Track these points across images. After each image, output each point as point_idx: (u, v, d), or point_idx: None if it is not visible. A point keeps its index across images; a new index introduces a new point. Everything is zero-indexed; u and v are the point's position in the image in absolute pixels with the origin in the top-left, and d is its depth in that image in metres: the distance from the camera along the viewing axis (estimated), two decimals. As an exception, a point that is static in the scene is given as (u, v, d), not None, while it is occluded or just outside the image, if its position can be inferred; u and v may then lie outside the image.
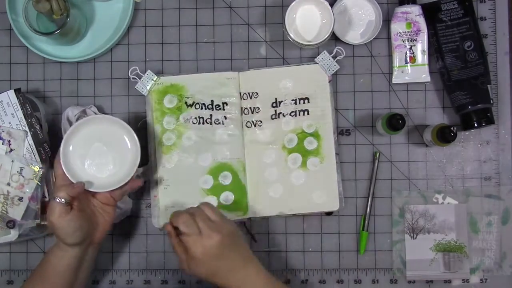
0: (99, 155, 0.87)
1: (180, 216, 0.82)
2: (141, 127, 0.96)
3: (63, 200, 0.80)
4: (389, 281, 0.95)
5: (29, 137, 0.91)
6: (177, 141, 0.94)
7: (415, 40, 0.94)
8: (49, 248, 0.85)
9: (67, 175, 0.83)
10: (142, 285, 0.97)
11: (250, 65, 0.97)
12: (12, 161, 0.90)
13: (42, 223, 0.93)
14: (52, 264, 0.83)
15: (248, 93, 0.95)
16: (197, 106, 0.94)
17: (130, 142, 0.87)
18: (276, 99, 0.95)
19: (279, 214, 0.94)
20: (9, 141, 0.91)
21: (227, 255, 0.81)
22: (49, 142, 0.93)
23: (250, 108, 0.95)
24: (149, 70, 0.95)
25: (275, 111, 0.95)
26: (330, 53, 0.95)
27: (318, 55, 0.95)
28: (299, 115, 0.95)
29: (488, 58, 0.94)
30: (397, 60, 0.95)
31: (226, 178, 0.94)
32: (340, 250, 0.96)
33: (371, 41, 0.95)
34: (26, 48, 0.96)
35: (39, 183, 0.91)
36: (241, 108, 0.95)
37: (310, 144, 0.94)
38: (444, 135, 0.87)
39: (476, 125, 0.92)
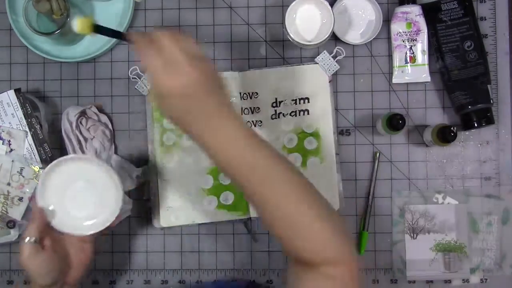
0: (79, 196, 0.81)
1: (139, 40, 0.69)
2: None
3: (32, 239, 0.75)
4: (389, 281, 0.95)
5: (29, 137, 0.91)
6: (177, 140, 0.94)
7: (415, 40, 0.94)
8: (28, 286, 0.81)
9: (56, 226, 0.79)
10: (142, 285, 0.97)
11: (250, 65, 0.97)
12: (12, 161, 0.91)
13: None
14: None
15: (248, 93, 0.95)
16: (197, 106, 0.94)
17: (112, 185, 0.81)
18: (276, 99, 0.95)
19: (279, 214, 0.94)
20: (9, 141, 0.91)
21: (200, 96, 0.67)
22: (49, 142, 0.93)
23: (250, 108, 0.95)
24: (149, 70, 0.95)
25: (275, 111, 0.95)
26: (330, 53, 0.95)
27: (318, 55, 0.95)
28: (299, 115, 0.95)
29: (488, 58, 0.94)
30: (397, 60, 0.95)
31: (226, 178, 0.94)
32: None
33: (371, 41, 0.95)
34: (26, 48, 0.96)
35: (39, 183, 0.91)
36: (241, 108, 0.95)
37: (310, 144, 0.94)
38: (444, 135, 0.87)
39: (476, 125, 0.92)
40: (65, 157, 0.80)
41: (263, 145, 0.69)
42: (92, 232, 0.80)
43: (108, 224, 0.80)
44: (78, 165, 0.81)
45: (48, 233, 0.79)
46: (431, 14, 0.94)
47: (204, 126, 0.68)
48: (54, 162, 0.80)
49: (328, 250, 0.67)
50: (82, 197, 0.81)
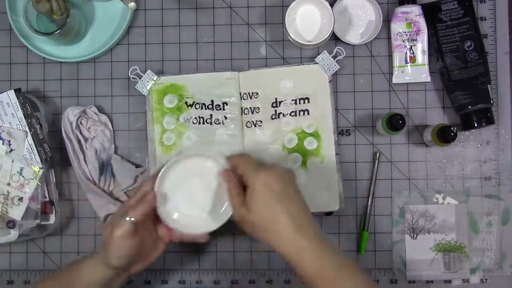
0: (193, 193, 0.82)
1: (240, 156, 0.79)
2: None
3: (133, 219, 0.76)
4: (389, 281, 0.95)
5: (29, 137, 0.91)
6: (177, 141, 0.94)
7: (415, 40, 0.94)
8: (80, 259, 0.82)
9: (162, 216, 0.81)
10: (142, 285, 0.97)
11: (250, 65, 0.97)
12: (12, 161, 0.91)
13: (42, 223, 0.94)
14: (81, 276, 0.79)
15: (248, 93, 0.95)
16: (197, 106, 0.94)
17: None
18: (276, 99, 0.95)
19: (279, 214, 0.94)
20: (9, 141, 0.91)
21: (290, 198, 0.74)
22: (49, 142, 0.93)
23: (250, 108, 0.95)
24: (149, 70, 0.95)
25: (275, 111, 0.95)
26: (330, 53, 0.95)
27: (318, 55, 0.95)
28: (299, 115, 0.95)
29: (488, 58, 0.94)
30: (397, 60, 0.95)
31: (226, 178, 0.94)
32: (340, 250, 0.96)
33: (371, 41, 0.95)
34: (26, 48, 0.96)
35: (39, 183, 0.91)
36: (241, 108, 0.95)
37: (310, 144, 0.94)
38: (444, 135, 0.87)
39: (476, 125, 0.92)
40: (184, 155, 0.84)
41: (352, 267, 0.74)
42: (208, 230, 0.80)
43: (221, 223, 0.80)
44: (195, 162, 0.83)
45: (147, 220, 0.79)
46: (431, 14, 0.94)
47: (286, 240, 0.74)
48: (174, 159, 0.83)
49: None
50: (196, 195, 0.82)
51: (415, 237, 0.95)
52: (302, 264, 0.73)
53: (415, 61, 0.95)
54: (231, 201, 0.78)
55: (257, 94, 0.95)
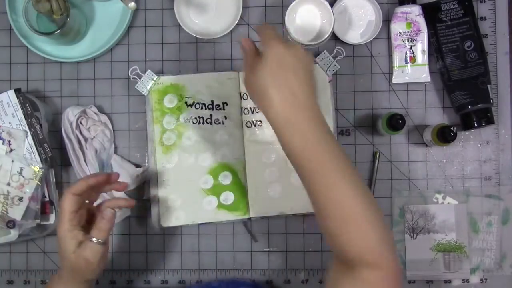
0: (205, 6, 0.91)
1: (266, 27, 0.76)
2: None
3: (100, 240, 0.77)
4: (389, 281, 0.95)
5: (29, 137, 0.91)
6: (177, 141, 0.94)
7: (415, 40, 0.94)
8: (50, 282, 0.81)
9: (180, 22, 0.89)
10: (142, 285, 0.97)
11: (250, 65, 0.97)
12: (12, 161, 0.91)
13: (42, 223, 0.94)
14: None
15: (248, 93, 0.95)
16: (197, 106, 0.94)
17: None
18: (276, 99, 0.95)
19: (279, 214, 0.94)
20: (9, 141, 0.91)
21: (296, 73, 0.71)
22: (49, 142, 0.93)
23: (250, 108, 0.95)
24: (149, 70, 0.95)
25: (275, 111, 0.95)
26: (330, 53, 0.95)
27: (318, 55, 0.95)
28: (299, 115, 0.94)
29: (488, 58, 0.94)
30: (397, 60, 0.95)
31: (226, 178, 0.94)
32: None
33: (371, 41, 0.95)
34: (26, 48, 0.96)
35: (39, 183, 0.91)
36: (241, 108, 0.95)
37: (310, 144, 0.94)
38: (444, 135, 0.87)
39: (476, 125, 0.92)
40: None
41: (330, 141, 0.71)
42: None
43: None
44: None
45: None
46: (431, 14, 0.94)
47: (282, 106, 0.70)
48: None
49: (371, 252, 0.67)
50: (207, 10, 0.92)
51: (415, 237, 0.95)
52: (284, 137, 0.71)
53: (415, 61, 0.95)
54: (244, 62, 0.77)
55: (257, 94, 0.95)
